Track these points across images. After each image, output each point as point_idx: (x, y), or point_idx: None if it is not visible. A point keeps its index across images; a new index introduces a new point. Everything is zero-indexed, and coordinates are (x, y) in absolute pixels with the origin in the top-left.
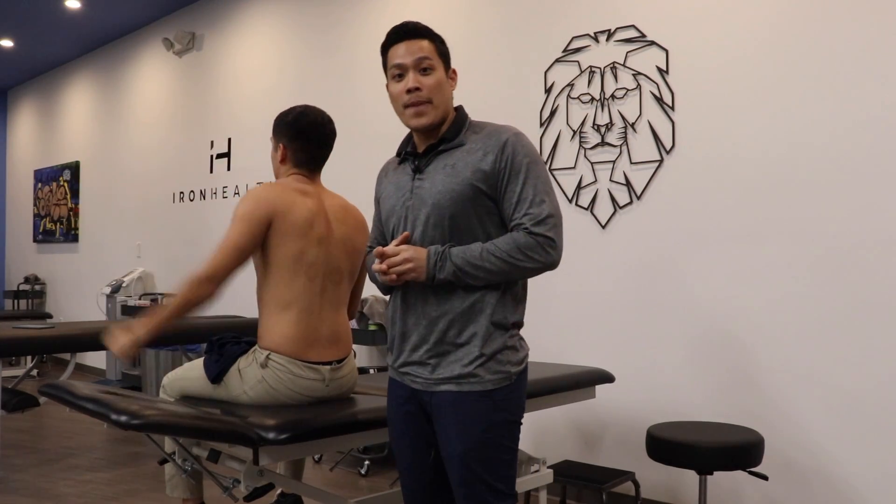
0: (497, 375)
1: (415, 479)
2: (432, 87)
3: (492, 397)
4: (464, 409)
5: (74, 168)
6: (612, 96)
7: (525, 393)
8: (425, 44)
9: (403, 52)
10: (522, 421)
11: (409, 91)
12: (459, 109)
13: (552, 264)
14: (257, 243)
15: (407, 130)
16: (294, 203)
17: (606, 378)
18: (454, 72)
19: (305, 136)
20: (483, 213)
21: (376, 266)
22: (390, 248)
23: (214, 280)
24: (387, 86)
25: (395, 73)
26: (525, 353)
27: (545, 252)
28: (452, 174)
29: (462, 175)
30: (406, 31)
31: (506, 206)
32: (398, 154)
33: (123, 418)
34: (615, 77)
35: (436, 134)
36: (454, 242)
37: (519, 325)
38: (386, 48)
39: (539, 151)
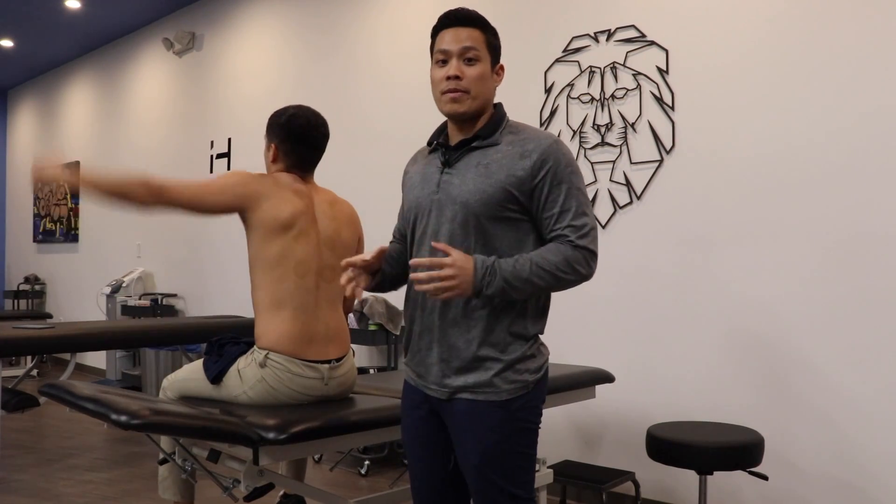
0: (514, 385)
1: (427, 484)
2: (473, 79)
3: (508, 407)
4: (479, 419)
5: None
6: (612, 96)
7: (543, 398)
8: (476, 33)
9: (450, 39)
10: (541, 425)
11: (448, 78)
12: (498, 107)
13: (590, 276)
14: (219, 210)
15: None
16: (280, 200)
17: (606, 378)
18: (502, 67)
19: (296, 138)
20: (504, 220)
21: (413, 275)
22: (434, 259)
23: (159, 198)
24: (431, 70)
25: (439, 58)
26: (544, 360)
27: (587, 265)
28: (486, 174)
29: (496, 177)
30: (457, 18)
31: (545, 216)
32: (429, 143)
33: (123, 418)
34: (615, 77)
35: (470, 128)
36: (479, 245)
37: (540, 333)
38: (435, 32)
39: None
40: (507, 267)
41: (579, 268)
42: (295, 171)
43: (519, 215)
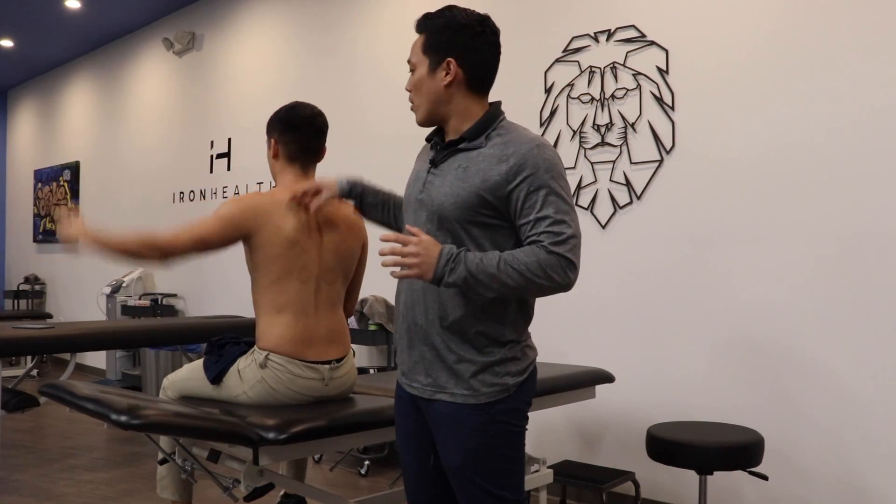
0: (493, 388)
1: (418, 481)
2: (412, 89)
3: (487, 410)
4: (458, 422)
5: (74, 168)
6: (612, 96)
7: (529, 401)
8: (418, 40)
9: None
10: (527, 428)
11: None
12: (493, 107)
13: (568, 286)
14: (225, 245)
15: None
16: (282, 218)
17: (606, 378)
18: (448, 62)
19: (295, 128)
20: (480, 225)
21: (381, 249)
22: (400, 235)
23: (166, 254)
24: None
25: None
26: (529, 363)
27: (564, 273)
28: (462, 178)
29: (471, 181)
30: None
31: (521, 223)
32: (427, 139)
33: (123, 418)
34: (615, 77)
35: (451, 129)
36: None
37: (519, 339)
38: None
39: None
40: (473, 259)
41: (554, 274)
42: (296, 163)
43: (496, 221)
